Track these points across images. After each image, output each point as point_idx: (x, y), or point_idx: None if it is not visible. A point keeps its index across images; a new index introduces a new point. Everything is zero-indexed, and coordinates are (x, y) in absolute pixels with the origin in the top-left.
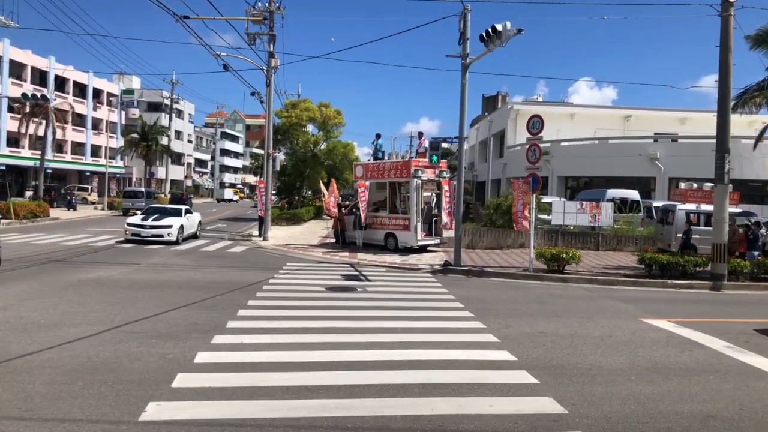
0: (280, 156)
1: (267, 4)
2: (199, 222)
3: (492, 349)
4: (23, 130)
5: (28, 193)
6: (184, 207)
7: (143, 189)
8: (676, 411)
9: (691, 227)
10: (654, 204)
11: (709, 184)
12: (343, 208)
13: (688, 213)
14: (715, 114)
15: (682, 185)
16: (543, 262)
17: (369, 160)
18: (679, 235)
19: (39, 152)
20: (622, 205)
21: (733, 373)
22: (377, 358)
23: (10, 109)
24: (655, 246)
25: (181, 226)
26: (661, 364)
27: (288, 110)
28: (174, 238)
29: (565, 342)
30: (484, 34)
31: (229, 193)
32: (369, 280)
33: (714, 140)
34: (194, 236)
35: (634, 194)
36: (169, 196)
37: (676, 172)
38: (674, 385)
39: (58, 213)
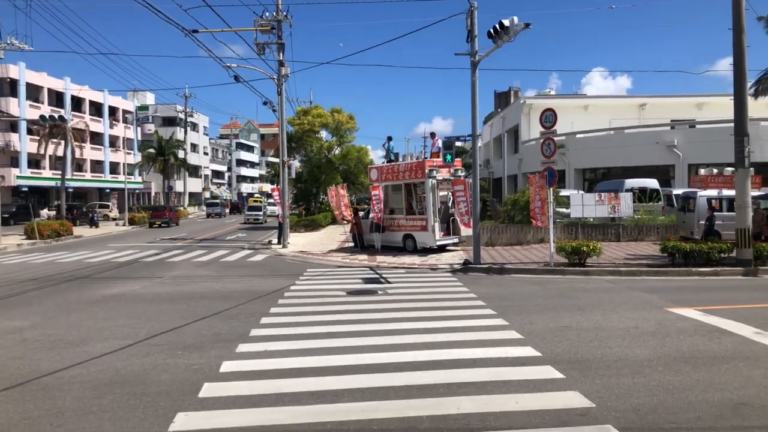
0: (296, 163)
1: (274, 14)
2: None
3: (516, 346)
4: (43, 151)
5: (44, 212)
6: None
7: (218, 200)
8: (707, 400)
9: (714, 213)
10: (674, 192)
11: (730, 169)
12: (360, 212)
13: (709, 199)
14: (732, 98)
15: (702, 171)
16: (564, 256)
17: (383, 162)
18: (702, 222)
19: (59, 172)
20: (642, 195)
21: (763, 359)
22: (401, 359)
23: (29, 132)
24: (678, 234)
25: None
26: (689, 354)
27: (300, 117)
28: None
29: (590, 335)
30: (492, 31)
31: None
32: (389, 282)
33: (732, 124)
34: None
35: (653, 183)
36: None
37: (695, 159)
38: (703, 374)
39: (81, 231)
